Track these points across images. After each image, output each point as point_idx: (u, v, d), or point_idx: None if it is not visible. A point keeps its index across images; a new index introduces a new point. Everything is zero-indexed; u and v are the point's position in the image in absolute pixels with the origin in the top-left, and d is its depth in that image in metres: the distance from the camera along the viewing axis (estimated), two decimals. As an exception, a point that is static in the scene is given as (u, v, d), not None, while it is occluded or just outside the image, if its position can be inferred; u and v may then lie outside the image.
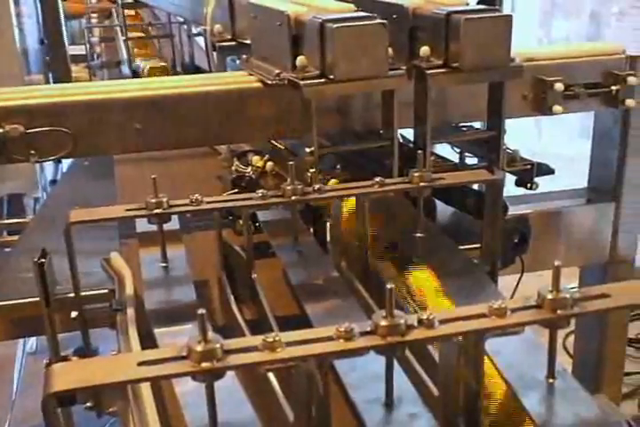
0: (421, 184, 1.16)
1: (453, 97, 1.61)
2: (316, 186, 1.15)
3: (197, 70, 2.94)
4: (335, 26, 1.26)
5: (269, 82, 1.42)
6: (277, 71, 1.40)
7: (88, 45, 4.25)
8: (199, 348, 0.71)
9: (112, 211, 1.11)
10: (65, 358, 1.37)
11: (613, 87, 1.65)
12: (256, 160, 1.54)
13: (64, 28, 3.82)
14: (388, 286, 0.74)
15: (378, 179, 1.16)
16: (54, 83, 3.66)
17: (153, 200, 1.09)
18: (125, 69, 3.20)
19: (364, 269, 1.21)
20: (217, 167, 2.03)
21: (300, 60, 1.33)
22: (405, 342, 0.74)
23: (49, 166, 3.87)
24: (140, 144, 1.46)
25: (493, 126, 1.53)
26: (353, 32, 1.28)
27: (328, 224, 1.32)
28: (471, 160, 1.69)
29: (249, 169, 1.53)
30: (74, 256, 1.09)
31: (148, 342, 1.06)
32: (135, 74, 3.07)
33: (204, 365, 0.70)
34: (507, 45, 1.39)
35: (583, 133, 2.46)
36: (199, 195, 1.12)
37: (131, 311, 1.11)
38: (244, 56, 1.64)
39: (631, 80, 1.63)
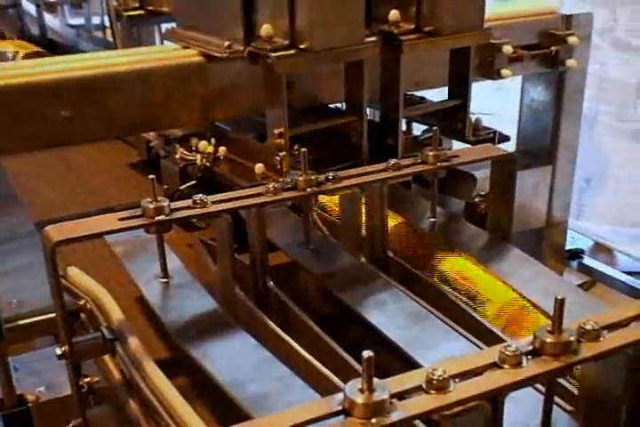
0: (439, 164, 1.05)
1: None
2: (330, 175, 1.00)
3: (52, 45, 2.64)
4: None
5: (220, 55, 1.24)
6: (228, 43, 1.23)
7: None
8: (362, 399, 0.56)
9: (101, 223, 0.90)
10: (21, 398, 1.15)
11: (553, 48, 1.60)
12: (204, 146, 1.35)
13: None
14: (559, 296, 0.62)
15: (392, 161, 1.03)
16: None
17: (151, 206, 0.90)
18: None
19: (384, 258, 1.09)
20: (120, 154, 1.82)
21: (266, 28, 1.17)
22: (578, 362, 0.63)
23: None
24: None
25: (458, 94, 1.42)
26: None
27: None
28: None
29: (198, 156, 1.34)
30: (59, 281, 0.88)
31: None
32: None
33: (375, 421, 0.56)
34: (481, 5, 1.29)
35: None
36: (202, 195, 0.94)
37: (134, 341, 0.92)
38: (169, 27, 1.44)
39: (572, 40, 1.58)
